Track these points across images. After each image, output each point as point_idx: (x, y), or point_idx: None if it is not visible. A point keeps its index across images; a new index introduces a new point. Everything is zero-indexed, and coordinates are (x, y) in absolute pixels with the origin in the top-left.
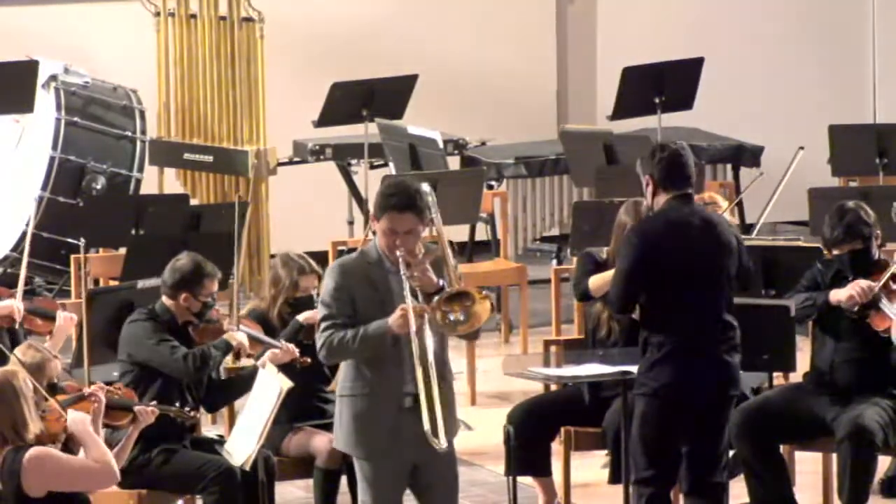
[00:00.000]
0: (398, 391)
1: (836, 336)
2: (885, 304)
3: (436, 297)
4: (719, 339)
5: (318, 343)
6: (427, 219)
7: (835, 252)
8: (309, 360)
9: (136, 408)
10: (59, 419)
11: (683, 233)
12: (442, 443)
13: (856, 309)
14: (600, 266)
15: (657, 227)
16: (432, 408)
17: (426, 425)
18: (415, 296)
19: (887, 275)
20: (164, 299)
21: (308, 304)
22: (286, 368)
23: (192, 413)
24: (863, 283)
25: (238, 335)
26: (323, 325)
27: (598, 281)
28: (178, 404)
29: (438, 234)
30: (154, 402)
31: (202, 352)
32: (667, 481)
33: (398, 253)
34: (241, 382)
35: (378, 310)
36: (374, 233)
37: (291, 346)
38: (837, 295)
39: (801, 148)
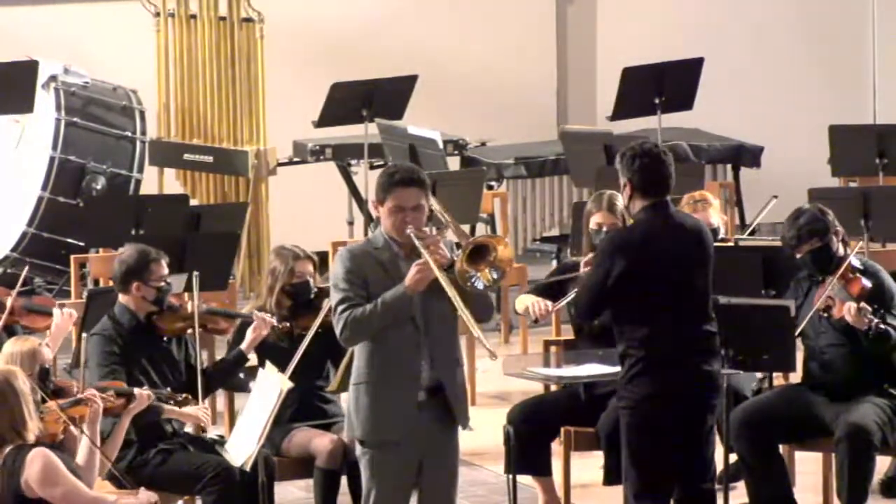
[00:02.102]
0: (416, 381)
1: (822, 336)
2: (839, 293)
3: (458, 262)
4: (697, 349)
5: (338, 325)
6: (429, 196)
7: (797, 255)
8: (288, 324)
9: (136, 391)
10: (57, 420)
11: (659, 245)
12: (479, 331)
13: (822, 308)
14: (569, 272)
15: (633, 239)
16: (467, 301)
17: (470, 322)
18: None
19: (844, 266)
20: (121, 298)
21: (305, 289)
22: (286, 367)
23: (182, 397)
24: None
25: (198, 413)
26: (340, 307)
27: (522, 302)
28: (169, 389)
29: (442, 212)
30: (146, 387)
31: None
32: (662, 491)
33: (408, 230)
34: (227, 367)
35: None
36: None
37: (264, 314)
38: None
39: (775, 196)
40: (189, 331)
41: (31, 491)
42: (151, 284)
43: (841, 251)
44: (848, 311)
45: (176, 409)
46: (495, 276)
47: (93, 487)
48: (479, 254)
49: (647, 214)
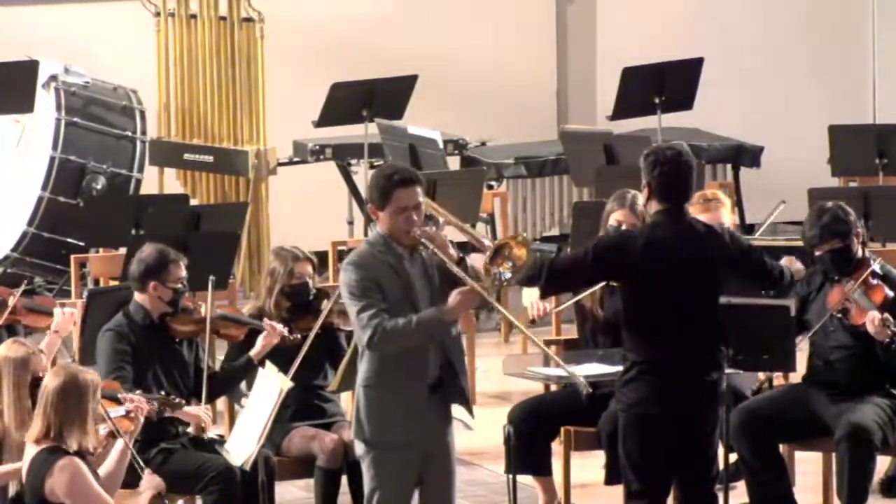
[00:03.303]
0: (423, 381)
1: (827, 336)
2: (860, 299)
3: (485, 271)
4: (697, 358)
5: (367, 332)
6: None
7: (816, 253)
8: (299, 336)
9: (120, 395)
10: (96, 431)
11: (663, 251)
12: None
13: (839, 310)
14: None
15: (635, 243)
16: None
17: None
18: (475, 277)
19: (866, 272)
20: (136, 296)
21: (304, 290)
22: (286, 367)
23: (177, 400)
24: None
25: (200, 413)
26: (365, 315)
27: (528, 297)
28: (163, 392)
29: (438, 210)
30: (139, 392)
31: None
32: (658, 493)
33: (416, 231)
34: (235, 373)
35: (402, 295)
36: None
37: (276, 324)
38: None
39: (783, 201)
40: (200, 334)
41: (54, 496)
42: (168, 285)
43: (860, 253)
44: (871, 321)
45: (183, 409)
46: (509, 264)
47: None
48: (497, 253)
49: (659, 218)
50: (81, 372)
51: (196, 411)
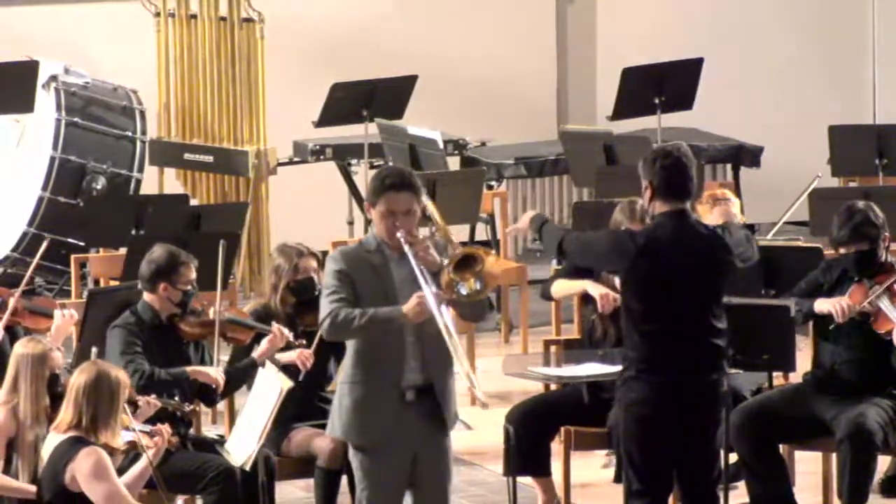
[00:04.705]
0: (399, 381)
1: (838, 337)
2: (887, 307)
3: (444, 271)
4: (696, 360)
5: (322, 315)
6: (421, 200)
7: (841, 251)
8: (304, 341)
9: (140, 400)
10: (119, 435)
11: (663, 253)
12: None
13: (858, 312)
14: (582, 269)
15: (636, 243)
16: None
17: (477, 392)
18: (435, 281)
19: (893, 279)
20: (145, 296)
21: (309, 286)
22: (286, 369)
23: (189, 407)
24: (844, 301)
25: (217, 376)
26: (328, 300)
27: (562, 289)
28: (177, 398)
29: (432, 214)
30: (153, 395)
31: (151, 371)
32: (659, 493)
33: (399, 234)
34: (238, 375)
35: (380, 297)
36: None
37: (283, 328)
38: (820, 306)
39: (819, 176)
40: (208, 337)
41: (74, 484)
42: (178, 287)
43: (884, 258)
44: None
45: (199, 368)
46: (478, 286)
47: None
48: (466, 264)
49: (662, 219)
50: (112, 368)
51: (214, 374)
